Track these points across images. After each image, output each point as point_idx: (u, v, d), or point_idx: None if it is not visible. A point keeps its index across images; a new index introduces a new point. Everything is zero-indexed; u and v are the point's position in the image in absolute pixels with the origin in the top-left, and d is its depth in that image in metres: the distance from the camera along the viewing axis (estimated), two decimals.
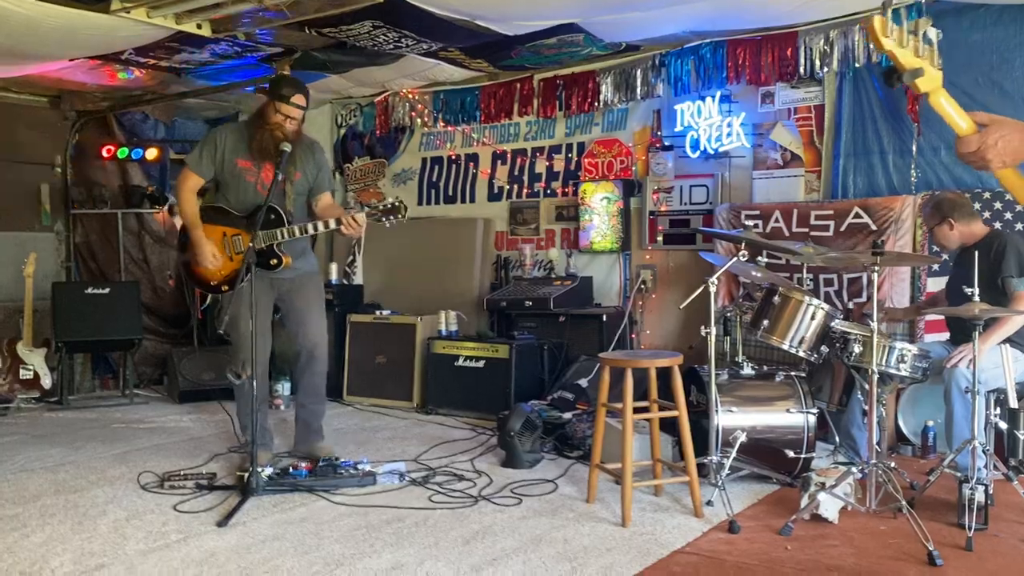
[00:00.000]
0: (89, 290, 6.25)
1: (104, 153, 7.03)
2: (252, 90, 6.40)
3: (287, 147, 4.02)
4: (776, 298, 3.96)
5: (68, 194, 7.06)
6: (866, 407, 3.92)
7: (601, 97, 5.93)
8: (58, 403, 6.15)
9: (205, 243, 4.13)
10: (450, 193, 6.91)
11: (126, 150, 7.06)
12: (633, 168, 5.94)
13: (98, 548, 3.19)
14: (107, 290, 6.29)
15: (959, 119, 1.69)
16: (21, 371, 6.12)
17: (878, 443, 3.56)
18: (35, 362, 6.14)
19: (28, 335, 6.15)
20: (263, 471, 3.85)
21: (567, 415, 4.82)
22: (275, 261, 4.10)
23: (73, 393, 6.41)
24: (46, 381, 6.16)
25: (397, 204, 3.93)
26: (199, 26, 4.90)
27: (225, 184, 4.23)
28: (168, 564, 3.02)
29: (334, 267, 6.75)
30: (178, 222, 6.98)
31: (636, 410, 3.61)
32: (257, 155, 4.14)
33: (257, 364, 3.95)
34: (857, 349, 3.79)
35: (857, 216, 4.86)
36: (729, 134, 5.40)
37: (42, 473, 4.29)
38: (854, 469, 3.52)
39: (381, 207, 3.94)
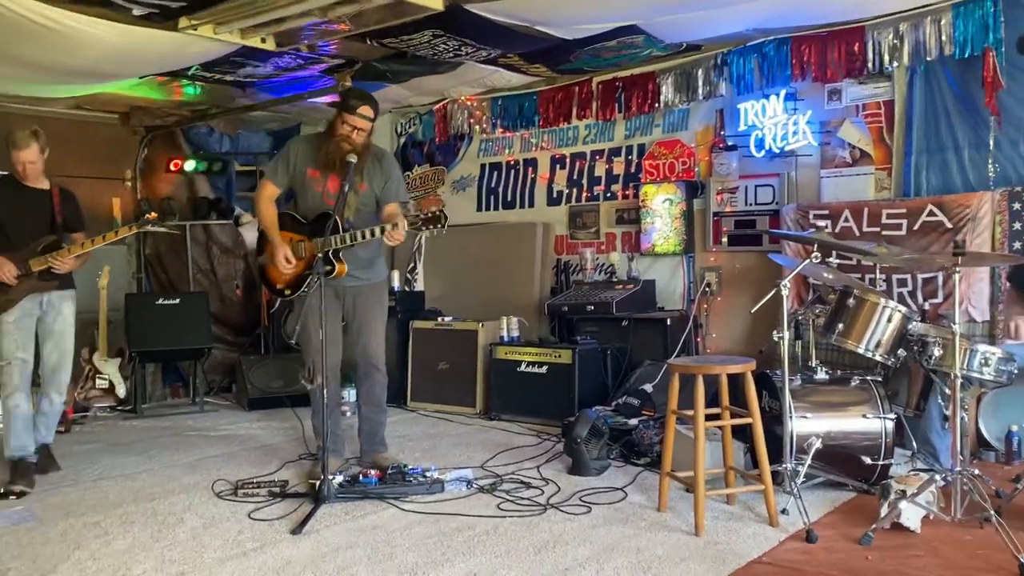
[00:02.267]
0: (160, 301, 6.42)
1: (172, 167, 7.21)
2: (319, 102, 6.49)
3: (353, 159, 4.07)
4: (851, 300, 3.86)
5: (139, 207, 7.25)
6: (947, 412, 3.81)
7: (661, 98, 5.87)
8: (132, 411, 6.32)
9: (280, 246, 4.24)
10: (509, 199, 6.92)
11: (193, 163, 7.23)
12: (696, 169, 5.86)
13: (178, 555, 3.25)
14: (177, 300, 6.44)
15: None
16: (97, 381, 6.30)
17: (961, 449, 3.45)
18: (110, 372, 6.32)
19: (103, 346, 6.33)
20: (334, 479, 3.88)
21: (633, 421, 4.77)
22: (329, 268, 4.14)
23: (146, 401, 6.58)
24: (120, 390, 6.33)
25: (438, 213, 3.92)
26: (263, 40, 4.99)
27: (298, 193, 4.39)
28: (245, 572, 3.07)
29: (396, 274, 6.80)
30: (245, 233, 7.16)
31: (708, 417, 3.55)
32: (324, 165, 4.21)
33: (328, 371, 4.00)
34: (937, 352, 3.68)
35: (931, 214, 4.71)
36: (795, 132, 5.29)
37: (121, 481, 4.41)
38: (937, 476, 3.41)
39: (423, 216, 3.94)
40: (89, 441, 5.42)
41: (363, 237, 4.07)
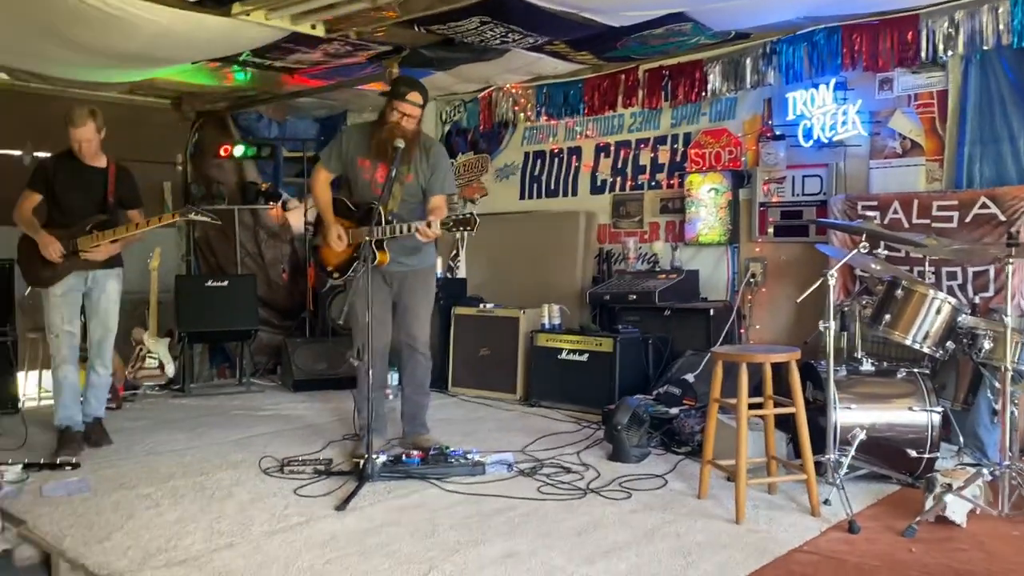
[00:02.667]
0: (209, 283, 6.55)
1: (221, 152, 7.33)
2: (366, 89, 6.55)
3: (400, 144, 4.12)
4: (899, 292, 3.82)
5: (188, 191, 7.39)
6: (996, 406, 3.74)
7: (709, 86, 5.83)
8: (180, 391, 6.47)
9: (332, 226, 4.39)
10: (552, 187, 6.92)
11: (242, 148, 7.35)
12: (742, 158, 5.81)
13: (226, 528, 3.34)
14: (225, 283, 6.57)
15: None
16: (147, 360, 6.46)
17: (1009, 444, 3.39)
18: (160, 351, 6.46)
19: (153, 326, 6.47)
20: (378, 458, 3.95)
21: (674, 410, 4.76)
22: (373, 257, 4.21)
23: (194, 381, 6.72)
24: (169, 369, 6.47)
25: (468, 216, 4.01)
26: (313, 26, 5.05)
27: (349, 180, 4.49)
28: (292, 545, 3.14)
29: (439, 261, 6.84)
30: (292, 218, 7.27)
31: (750, 406, 3.53)
32: (375, 153, 4.29)
33: (374, 353, 4.08)
34: (987, 345, 3.62)
35: (984, 206, 4.62)
36: (844, 122, 5.21)
37: (170, 456, 4.52)
38: (984, 471, 3.36)
39: (454, 218, 4.05)
40: (139, 418, 5.57)
41: (399, 232, 4.17)
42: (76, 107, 4.46)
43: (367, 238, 4.12)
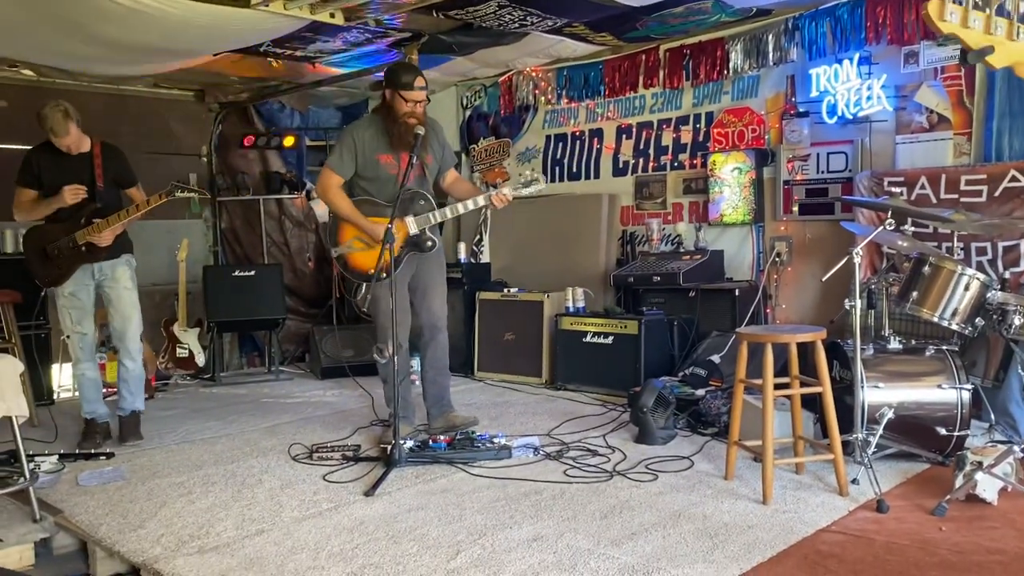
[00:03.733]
0: (236, 273, 6.62)
1: (245, 142, 7.39)
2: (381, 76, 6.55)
3: (420, 130, 4.14)
4: (926, 268, 3.77)
5: (214, 182, 7.46)
6: None
7: (730, 65, 5.76)
8: (211, 380, 6.57)
9: (371, 225, 4.23)
10: (574, 170, 6.90)
11: (265, 138, 7.39)
12: (766, 137, 5.75)
13: (257, 515, 3.39)
14: (252, 272, 6.64)
15: None
16: (177, 350, 6.55)
17: None
18: (190, 341, 6.56)
19: (183, 316, 6.56)
20: (405, 444, 3.99)
21: (700, 392, 4.75)
22: (430, 244, 4.27)
23: (224, 370, 6.82)
24: (200, 359, 6.57)
25: (537, 177, 4.23)
26: (332, 15, 5.06)
27: (367, 179, 4.36)
28: (322, 531, 3.19)
29: (462, 246, 6.87)
30: (316, 207, 7.30)
31: (777, 386, 3.52)
32: (397, 147, 4.27)
33: (399, 340, 4.10)
34: (1018, 321, 3.58)
35: (1014, 180, 4.54)
36: (869, 98, 5.14)
37: (202, 444, 4.60)
38: (1016, 448, 3.32)
39: (523, 181, 4.23)
40: (171, 407, 5.66)
41: (466, 208, 4.26)
42: (51, 114, 4.27)
43: (420, 226, 4.23)
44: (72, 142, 4.37)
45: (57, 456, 4.11)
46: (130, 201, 4.56)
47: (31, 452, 3.98)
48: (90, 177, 4.46)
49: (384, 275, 4.11)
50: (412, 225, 4.23)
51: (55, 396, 5.89)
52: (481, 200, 4.17)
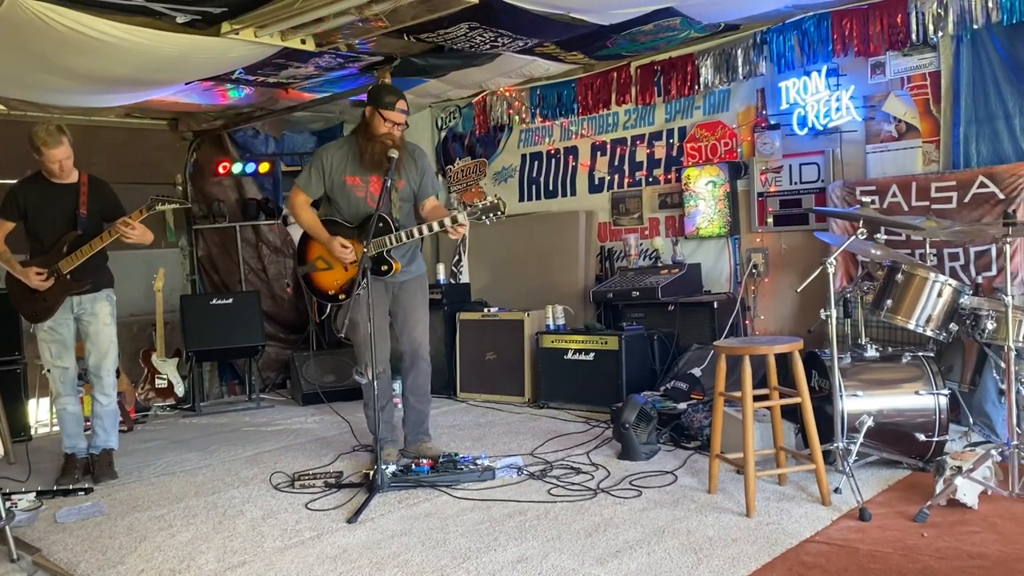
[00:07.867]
0: (214, 301, 6.58)
1: (220, 169, 7.37)
2: (360, 100, 6.56)
3: (394, 153, 4.14)
4: (899, 276, 3.81)
5: (189, 210, 7.42)
6: (1002, 386, 3.73)
7: (701, 80, 5.82)
8: (191, 409, 6.51)
9: (333, 240, 4.24)
10: (551, 188, 6.93)
11: (240, 165, 7.38)
12: (738, 150, 5.80)
13: (239, 546, 3.35)
14: (230, 300, 6.60)
15: None
16: (156, 381, 6.49)
17: (1017, 423, 3.38)
18: (168, 371, 6.51)
19: (161, 346, 6.52)
20: (387, 468, 3.96)
21: (682, 405, 4.76)
22: (386, 267, 4.22)
23: (204, 399, 6.76)
24: (179, 389, 6.52)
25: (496, 202, 3.99)
26: (303, 41, 5.06)
27: (335, 200, 4.38)
28: (304, 560, 3.15)
29: (441, 267, 6.87)
30: (292, 231, 7.27)
31: (756, 398, 3.53)
32: (369, 167, 4.26)
33: (378, 364, 4.09)
34: (990, 325, 3.61)
35: (982, 185, 4.60)
36: (838, 109, 5.20)
37: (182, 476, 4.55)
38: (993, 451, 3.35)
39: (481, 206, 4.00)
40: (151, 439, 5.59)
41: (420, 233, 4.14)
42: (43, 128, 4.26)
43: (377, 249, 4.11)
44: (62, 157, 4.30)
45: (34, 493, 4.05)
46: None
47: (7, 490, 3.92)
48: (74, 205, 4.42)
49: (343, 296, 4.25)
50: (370, 248, 4.12)
51: (32, 432, 5.80)
52: (436, 226, 4.09)
